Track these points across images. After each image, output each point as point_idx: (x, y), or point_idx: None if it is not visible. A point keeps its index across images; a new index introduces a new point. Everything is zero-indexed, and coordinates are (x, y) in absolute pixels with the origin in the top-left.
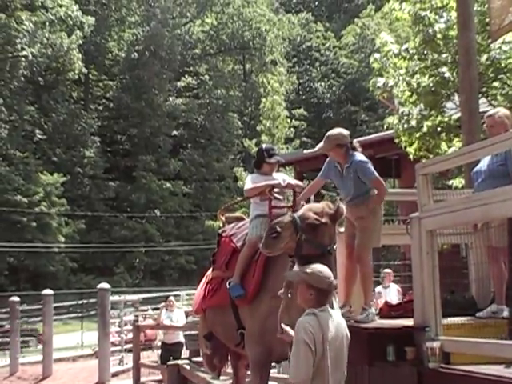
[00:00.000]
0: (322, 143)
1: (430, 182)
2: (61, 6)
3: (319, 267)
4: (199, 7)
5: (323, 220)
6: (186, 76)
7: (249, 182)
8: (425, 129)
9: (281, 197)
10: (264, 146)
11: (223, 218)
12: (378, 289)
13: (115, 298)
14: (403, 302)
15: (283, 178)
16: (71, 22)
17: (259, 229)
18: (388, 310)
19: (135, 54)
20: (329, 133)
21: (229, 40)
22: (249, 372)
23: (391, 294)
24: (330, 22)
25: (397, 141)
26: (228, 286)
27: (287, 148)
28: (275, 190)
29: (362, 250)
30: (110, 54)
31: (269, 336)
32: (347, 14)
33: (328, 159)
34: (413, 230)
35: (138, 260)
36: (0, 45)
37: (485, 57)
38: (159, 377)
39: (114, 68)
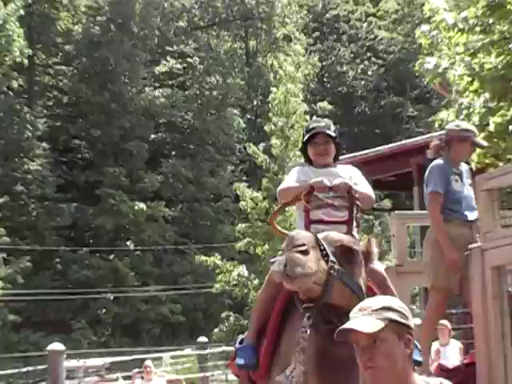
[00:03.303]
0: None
1: (496, 199)
2: None
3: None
4: None
5: (360, 251)
6: (168, 58)
7: (286, 179)
8: (491, 127)
9: (335, 203)
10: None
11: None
12: (435, 346)
13: (72, 363)
14: (463, 365)
15: (348, 173)
16: None
17: None
18: (443, 377)
19: (96, 28)
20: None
21: (225, 8)
22: None
23: (451, 353)
24: None
25: None
26: (236, 347)
27: None
28: (321, 194)
29: None
30: (61, 29)
31: None
32: None
33: (438, 164)
34: (473, 267)
35: (104, 310)
36: None
37: None
38: None
39: (68, 48)
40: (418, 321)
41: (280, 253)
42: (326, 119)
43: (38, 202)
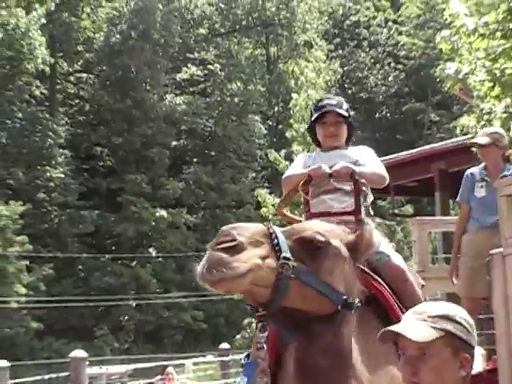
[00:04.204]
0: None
1: None
2: None
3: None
4: None
5: (333, 242)
6: (189, 65)
7: (291, 166)
8: None
9: (345, 187)
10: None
11: (290, 215)
12: None
13: (95, 370)
14: (485, 371)
15: (359, 153)
16: None
17: None
18: None
19: (118, 36)
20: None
21: (246, 15)
22: None
23: (475, 360)
24: None
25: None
26: (242, 362)
27: None
28: (324, 182)
29: None
30: (83, 38)
31: None
32: None
33: (466, 172)
34: (494, 272)
35: (126, 317)
36: None
37: None
38: None
39: (90, 56)
40: None
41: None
42: (339, 97)
43: (60, 209)
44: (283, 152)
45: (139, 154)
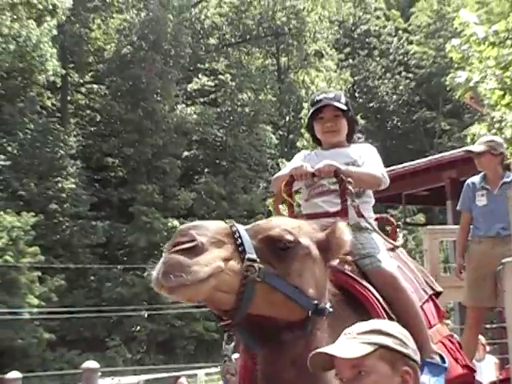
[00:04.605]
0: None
1: None
2: None
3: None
4: None
5: (303, 241)
6: (200, 76)
7: (285, 166)
8: None
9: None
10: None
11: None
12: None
13: (107, 381)
14: (498, 380)
15: (359, 152)
16: (41, 6)
17: None
18: None
19: (128, 47)
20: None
21: (256, 25)
22: None
23: (486, 369)
24: None
25: None
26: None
27: None
28: (324, 180)
29: None
30: (94, 49)
31: None
32: None
33: (467, 181)
34: (506, 280)
35: (138, 328)
36: None
37: None
38: None
39: (100, 67)
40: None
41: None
42: (337, 90)
43: (71, 220)
44: None
45: (150, 164)
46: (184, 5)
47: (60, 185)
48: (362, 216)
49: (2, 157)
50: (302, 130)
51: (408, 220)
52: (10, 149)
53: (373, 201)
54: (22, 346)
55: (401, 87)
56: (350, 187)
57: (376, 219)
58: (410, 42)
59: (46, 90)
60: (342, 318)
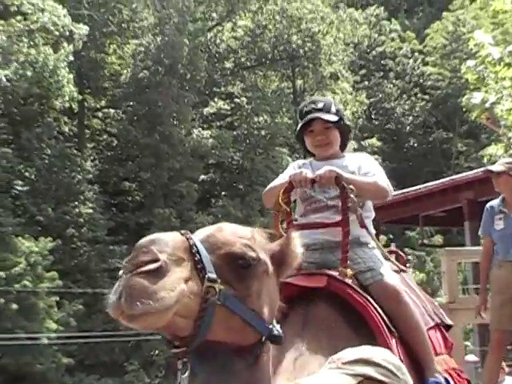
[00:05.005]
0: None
1: None
2: (43, 10)
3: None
4: (229, 5)
5: (262, 257)
6: (216, 99)
7: (278, 177)
8: None
9: (338, 203)
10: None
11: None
12: None
13: None
14: None
15: (357, 162)
16: (57, 33)
17: None
18: None
19: (145, 72)
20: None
21: (271, 48)
22: None
23: None
24: (410, 19)
25: None
26: None
27: None
28: (320, 195)
29: None
30: (110, 74)
31: None
32: (433, 5)
33: (486, 207)
34: None
35: (157, 352)
36: None
37: None
38: None
39: (117, 92)
40: (472, 357)
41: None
42: (326, 98)
43: (89, 244)
44: None
45: (167, 188)
46: (199, 29)
47: (77, 210)
48: (365, 227)
49: (20, 182)
50: None
51: (426, 241)
52: (27, 174)
53: (373, 215)
54: (41, 370)
55: (417, 109)
56: (352, 196)
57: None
58: (426, 64)
59: (62, 115)
60: (338, 332)
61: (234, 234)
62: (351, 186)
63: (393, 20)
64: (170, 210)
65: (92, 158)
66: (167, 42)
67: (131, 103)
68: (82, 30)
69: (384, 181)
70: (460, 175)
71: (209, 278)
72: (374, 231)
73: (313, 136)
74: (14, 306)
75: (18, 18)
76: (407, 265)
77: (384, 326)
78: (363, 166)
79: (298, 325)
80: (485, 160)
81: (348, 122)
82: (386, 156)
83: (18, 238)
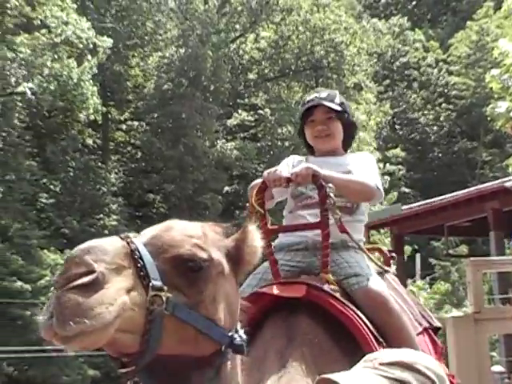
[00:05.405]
0: None
1: None
2: (67, 24)
3: None
4: (252, 16)
5: (215, 256)
6: (239, 111)
7: None
8: None
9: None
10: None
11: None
12: None
13: None
14: None
15: (354, 160)
16: (81, 46)
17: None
18: None
19: (168, 84)
20: None
21: (294, 59)
22: None
23: None
24: (434, 28)
25: None
26: None
27: (380, 203)
28: (310, 191)
29: None
30: (134, 86)
31: None
32: (457, 15)
33: None
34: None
35: None
36: None
37: None
38: None
39: (140, 104)
40: (498, 368)
41: None
42: (331, 90)
43: None
44: None
45: (192, 200)
46: (222, 41)
47: (102, 222)
48: (346, 232)
49: (45, 195)
50: None
51: (451, 251)
52: (52, 187)
53: (366, 220)
54: (67, 382)
55: (441, 118)
56: (331, 195)
57: (368, 249)
58: (450, 73)
59: (87, 127)
60: (323, 347)
61: (183, 233)
62: (330, 185)
63: (416, 30)
64: (195, 221)
65: (116, 170)
66: (190, 54)
67: (155, 115)
68: (106, 42)
69: (373, 181)
70: (485, 185)
71: (153, 286)
72: (363, 238)
73: (313, 126)
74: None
75: (42, 31)
76: (391, 261)
77: (371, 336)
78: (356, 163)
79: (282, 340)
80: (510, 169)
81: (353, 119)
82: (411, 166)
83: (43, 251)
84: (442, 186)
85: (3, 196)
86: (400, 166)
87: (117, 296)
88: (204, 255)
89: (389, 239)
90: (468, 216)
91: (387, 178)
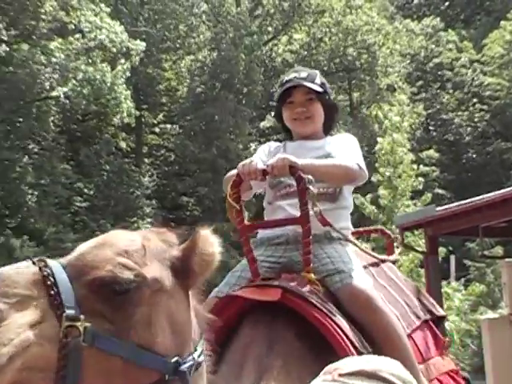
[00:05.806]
0: None
1: None
2: (100, 28)
3: None
4: (284, 19)
5: (150, 274)
6: (272, 113)
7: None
8: None
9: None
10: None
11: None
12: None
13: None
14: None
15: (335, 143)
16: (115, 50)
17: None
18: None
19: (201, 87)
20: None
21: (327, 61)
22: None
23: None
24: (467, 29)
25: None
26: None
27: (414, 204)
28: (288, 179)
29: None
30: (167, 89)
31: None
32: (491, 15)
33: None
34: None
35: None
36: (22, 84)
37: None
38: None
39: (174, 107)
40: None
41: None
42: (311, 70)
43: None
44: (369, 196)
45: (225, 202)
46: (255, 43)
47: (136, 225)
48: (329, 224)
49: (79, 198)
50: (377, 165)
51: (486, 253)
52: (86, 190)
53: (351, 206)
54: None
55: (475, 119)
56: (310, 187)
57: (370, 231)
58: (484, 74)
59: (120, 131)
60: (299, 354)
61: (113, 250)
62: (309, 176)
63: (450, 30)
64: (228, 224)
65: (150, 173)
66: (223, 57)
67: (188, 118)
68: (139, 46)
69: (354, 161)
70: None
71: (67, 316)
72: (350, 226)
73: (292, 108)
74: None
75: (76, 36)
76: (394, 244)
77: (347, 342)
78: (337, 146)
79: (260, 346)
80: None
81: (331, 97)
82: (445, 167)
83: None
84: (476, 187)
85: (38, 200)
86: (434, 168)
87: (14, 334)
88: (129, 276)
89: (423, 241)
90: (503, 217)
91: (421, 179)
